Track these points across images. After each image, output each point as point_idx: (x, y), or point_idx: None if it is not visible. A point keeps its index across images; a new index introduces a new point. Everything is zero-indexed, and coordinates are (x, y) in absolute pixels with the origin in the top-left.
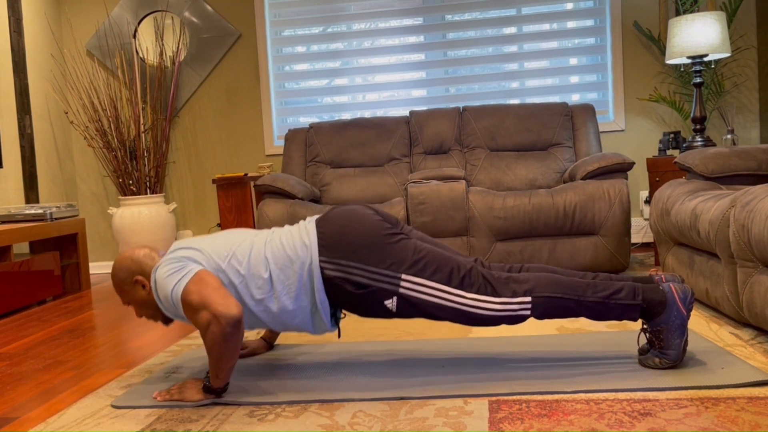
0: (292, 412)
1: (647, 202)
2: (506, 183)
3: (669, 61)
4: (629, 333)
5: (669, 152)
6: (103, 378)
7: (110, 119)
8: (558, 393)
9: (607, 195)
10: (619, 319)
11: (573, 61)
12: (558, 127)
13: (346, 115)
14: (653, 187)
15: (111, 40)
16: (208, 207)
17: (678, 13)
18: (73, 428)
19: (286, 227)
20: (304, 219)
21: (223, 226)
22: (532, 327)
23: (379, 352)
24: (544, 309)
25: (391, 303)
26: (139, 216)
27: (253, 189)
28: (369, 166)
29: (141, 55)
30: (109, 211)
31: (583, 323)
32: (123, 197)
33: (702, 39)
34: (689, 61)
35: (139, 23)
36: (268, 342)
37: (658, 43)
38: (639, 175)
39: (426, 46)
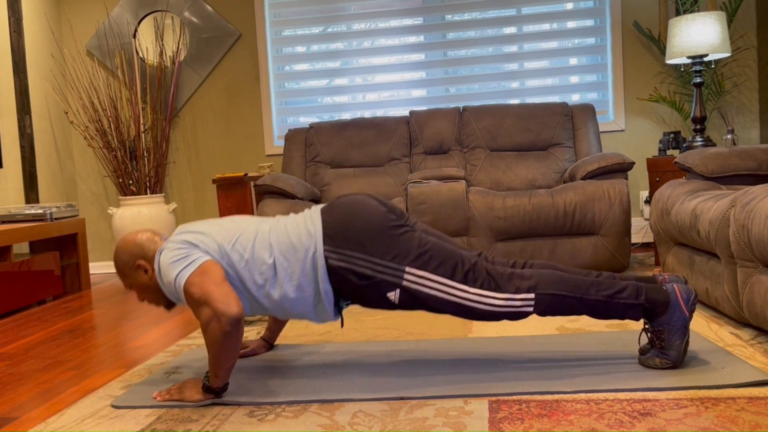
0: (292, 412)
1: (647, 202)
2: (506, 183)
3: (669, 61)
4: (629, 333)
5: (669, 152)
6: (103, 378)
7: (110, 119)
8: (558, 393)
9: (607, 195)
10: (622, 318)
11: (573, 61)
12: (558, 127)
13: (346, 115)
14: (653, 187)
15: (111, 40)
16: (208, 207)
17: (678, 13)
18: (73, 428)
19: (291, 215)
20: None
21: None
22: (532, 327)
23: (379, 352)
24: (547, 306)
25: (393, 295)
26: (139, 216)
27: (253, 189)
28: (369, 166)
29: (141, 55)
30: (109, 211)
31: (583, 323)
32: (123, 197)
33: (702, 39)
34: (689, 61)
35: (139, 23)
36: (268, 342)
37: (658, 43)
38: (639, 175)
39: (426, 46)
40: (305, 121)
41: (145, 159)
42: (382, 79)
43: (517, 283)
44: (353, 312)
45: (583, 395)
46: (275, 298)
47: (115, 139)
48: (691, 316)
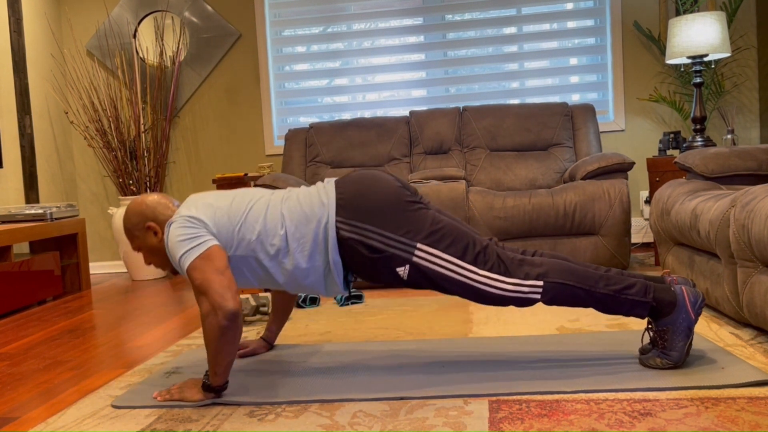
0: (292, 412)
1: (647, 202)
2: (506, 183)
3: (669, 61)
4: (629, 333)
5: (669, 152)
6: (103, 378)
7: (110, 119)
8: (558, 393)
9: (607, 195)
10: (627, 314)
11: (573, 61)
12: (558, 127)
13: (346, 115)
14: (653, 187)
15: (111, 40)
16: None
17: (678, 13)
18: (73, 428)
19: (303, 187)
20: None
21: None
22: (532, 327)
23: (379, 352)
24: (554, 295)
25: (403, 271)
26: None
27: None
28: (369, 166)
29: (141, 55)
30: (109, 211)
31: (583, 323)
32: (123, 197)
33: (702, 39)
34: (689, 61)
35: (139, 23)
36: (268, 342)
37: (658, 43)
38: (639, 175)
39: (426, 46)
40: (305, 121)
41: (145, 159)
42: (382, 79)
43: (527, 269)
44: (353, 312)
45: (583, 395)
46: (288, 268)
47: (115, 139)
48: (696, 319)
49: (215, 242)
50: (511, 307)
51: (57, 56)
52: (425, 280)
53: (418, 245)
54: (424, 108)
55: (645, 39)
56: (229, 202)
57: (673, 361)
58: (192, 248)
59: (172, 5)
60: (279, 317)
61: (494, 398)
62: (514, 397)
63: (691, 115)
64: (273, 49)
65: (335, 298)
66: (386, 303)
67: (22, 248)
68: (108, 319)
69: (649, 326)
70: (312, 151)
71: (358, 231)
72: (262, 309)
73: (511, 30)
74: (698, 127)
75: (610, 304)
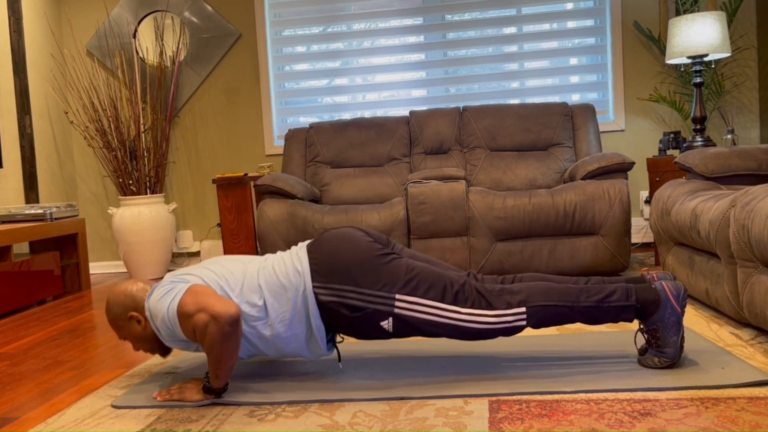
0: (292, 412)
1: (647, 202)
2: (506, 183)
3: (669, 61)
4: (629, 333)
5: (669, 152)
6: (103, 378)
7: (110, 119)
8: (558, 393)
9: (607, 195)
10: (615, 321)
11: (573, 61)
12: (558, 127)
13: (346, 115)
14: (653, 187)
15: (111, 40)
16: (208, 207)
17: (678, 13)
18: (73, 428)
19: (279, 254)
20: (305, 221)
21: (223, 226)
22: None
23: (379, 352)
24: (539, 318)
25: (387, 324)
26: (139, 216)
27: (253, 189)
28: (369, 166)
29: (141, 55)
30: (109, 211)
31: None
32: (123, 197)
33: (702, 39)
34: (689, 61)
35: (139, 23)
36: None
37: (658, 43)
38: (639, 175)
39: (426, 46)
40: (305, 121)
41: (145, 159)
42: (382, 79)
43: (508, 298)
44: None
45: (583, 395)
46: (267, 337)
47: (115, 139)
48: (683, 312)
49: (196, 279)
50: None
51: (57, 56)
52: (411, 328)
53: (397, 296)
54: (424, 108)
55: (645, 39)
56: (205, 273)
57: (669, 357)
58: (176, 294)
59: (172, 5)
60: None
61: (494, 398)
62: (514, 397)
63: (691, 115)
64: (273, 49)
65: None
66: None
67: (22, 248)
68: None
69: (640, 328)
70: (312, 151)
71: (336, 293)
72: None
73: (511, 30)
74: (698, 127)
75: (596, 314)
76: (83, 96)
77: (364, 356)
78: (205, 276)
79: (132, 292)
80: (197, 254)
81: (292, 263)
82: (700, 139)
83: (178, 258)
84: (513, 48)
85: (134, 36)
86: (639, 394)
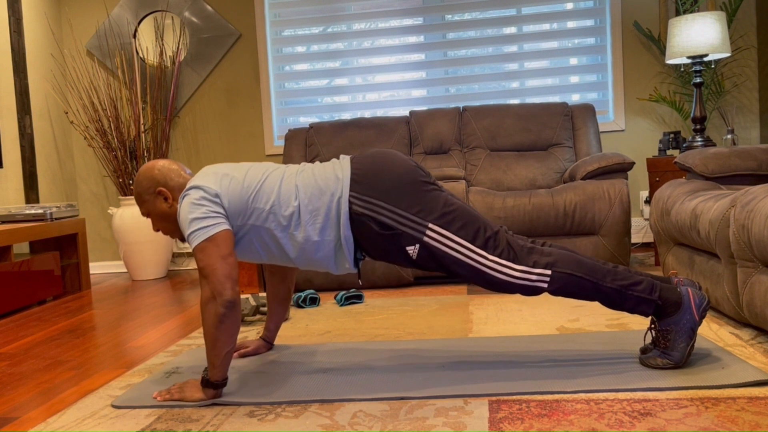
0: (292, 412)
1: (647, 202)
2: (506, 183)
3: (669, 61)
4: (629, 333)
5: (669, 152)
6: (103, 378)
7: (110, 119)
8: (558, 393)
9: (607, 195)
10: (632, 311)
11: (573, 61)
12: (558, 127)
13: (346, 115)
14: (653, 187)
15: (111, 40)
16: None
17: (678, 13)
18: (73, 428)
19: (319, 162)
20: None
21: None
22: (532, 327)
23: (379, 352)
24: (562, 285)
25: (413, 250)
26: (139, 216)
27: None
28: None
29: (141, 55)
30: (109, 211)
31: (583, 323)
32: (123, 197)
33: (702, 39)
34: (689, 61)
35: (139, 23)
36: (268, 342)
37: (658, 43)
38: (639, 175)
39: (426, 46)
40: (305, 121)
41: (145, 159)
42: (382, 79)
43: (536, 257)
44: (353, 312)
45: (583, 395)
46: (299, 240)
47: (115, 139)
48: (700, 321)
49: (224, 226)
50: (512, 307)
51: (57, 56)
52: (434, 261)
53: (430, 225)
54: (424, 108)
55: (645, 39)
56: (243, 173)
57: (674, 361)
58: (201, 228)
59: (172, 5)
60: (275, 314)
61: (494, 398)
62: (514, 397)
63: (691, 115)
64: (273, 49)
65: (335, 298)
66: (386, 303)
67: (22, 248)
68: (108, 319)
69: (653, 326)
70: (312, 151)
71: (370, 207)
72: (262, 309)
73: (511, 30)
74: (698, 127)
75: (616, 298)
76: (83, 96)
77: (365, 356)
78: (245, 178)
79: (164, 169)
80: None
81: (333, 170)
82: (700, 139)
83: (178, 258)
84: (513, 48)
85: (134, 36)
86: (639, 394)
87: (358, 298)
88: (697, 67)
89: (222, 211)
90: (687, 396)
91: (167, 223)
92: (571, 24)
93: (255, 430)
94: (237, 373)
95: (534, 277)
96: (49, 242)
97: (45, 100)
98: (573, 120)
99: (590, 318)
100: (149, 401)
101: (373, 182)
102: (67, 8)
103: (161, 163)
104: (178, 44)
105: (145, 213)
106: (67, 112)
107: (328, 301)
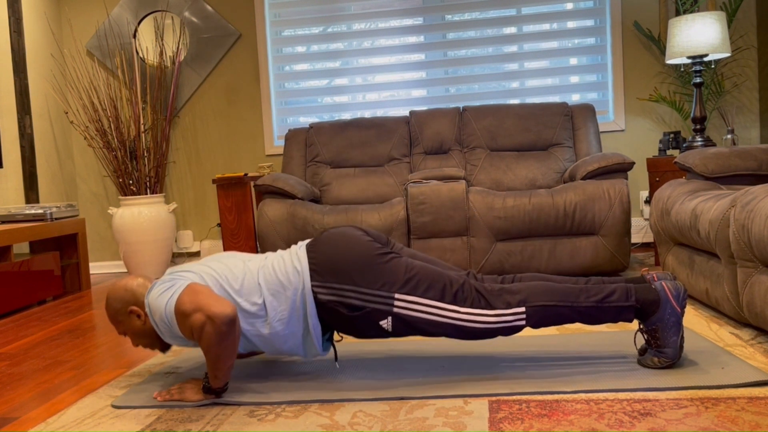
0: (292, 412)
1: (647, 202)
2: (506, 183)
3: (669, 61)
4: (629, 333)
5: (669, 152)
6: (103, 378)
7: (110, 119)
8: (558, 393)
9: (607, 195)
10: (615, 321)
11: (573, 61)
12: (558, 127)
13: (346, 115)
14: (653, 187)
15: (111, 40)
16: (208, 207)
17: (678, 13)
18: (73, 428)
19: (279, 252)
20: (305, 220)
21: (223, 226)
22: None
23: (379, 352)
24: (539, 318)
25: (386, 323)
26: (139, 216)
27: (253, 189)
28: (369, 166)
29: (141, 55)
30: (109, 211)
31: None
32: (123, 197)
33: (702, 39)
34: (689, 61)
35: (139, 23)
36: None
37: (658, 43)
38: (639, 175)
39: (426, 46)
40: (305, 121)
41: (145, 159)
42: (382, 79)
43: (507, 297)
44: None
45: (583, 395)
46: (265, 335)
47: (115, 139)
48: (683, 312)
49: (195, 278)
50: None
51: (57, 56)
52: (410, 328)
53: (396, 295)
54: (424, 108)
55: (645, 39)
56: (205, 270)
57: (669, 357)
58: (174, 292)
59: (172, 5)
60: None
61: (494, 398)
62: (514, 397)
63: (691, 115)
64: (273, 49)
65: None
66: None
67: (22, 248)
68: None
69: (640, 328)
70: (312, 151)
71: (335, 292)
72: None
73: (511, 30)
74: (698, 127)
75: (596, 315)
76: (83, 96)
77: (364, 356)
78: (204, 273)
79: (132, 287)
80: (197, 254)
81: (292, 262)
82: (700, 139)
83: (178, 258)
84: (513, 48)
85: (134, 36)
86: (639, 394)
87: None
88: (697, 67)
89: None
90: (687, 396)
91: (145, 338)
92: (571, 24)
93: (255, 430)
94: (237, 374)
95: (510, 318)
96: (49, 242)
97: (45, 100)
98: (573, 120)
99: None
100: (149, 401)
101: (331, 268)
102: (67, 8)
103: (128, 282)
104: (178, 44)
105: (122, 332)
106: (67, 112)
107: None
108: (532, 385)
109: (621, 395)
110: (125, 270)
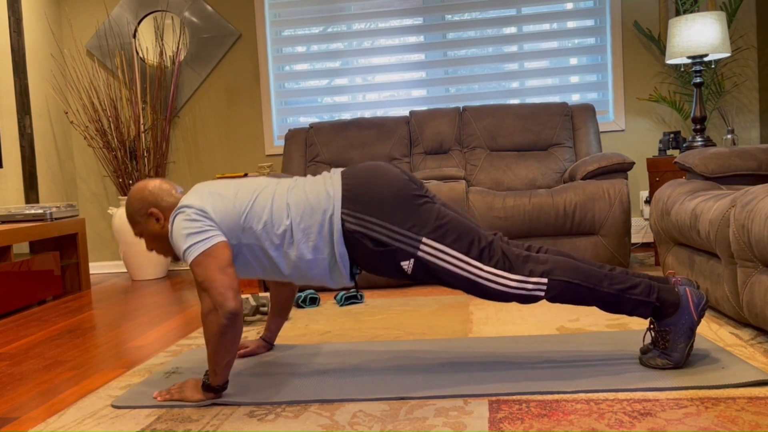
0: (292, 412)
1: (647, 202)
2: (506, 183)
3: (669, 61)
4: (629, 333)
5: (669, 152)
6: (103, 378)
7: (110, 119)
8: (558, 393)
9: (607, 195)
10: (630, 314)
11: (573, 61)
12: (558, 127)
13: (346, 115)
14: (653, 187)
15: (111, 40)
16: None
17: (678, 13)
18: (73, 428)
19: (310, 177)
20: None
21: None
22: (532, 327)
23: (379, 352)
24: (559, 293)
25: (407, 265)
26: None
27: None
28: None
29: (141, 55)
30: (109, 211)
31: (583, 323)
32: (123, 197)
33: (702, 39)
34: (689, 61)
35: (139, 23)
36: (268, 342)
37: (658, 43)
38: (639, 175)
39: (426, 46)
40: (305, 121)
41: (145, 159)
42: (382, 79)
43: (532, 266)
44: (353, 312)
45: (583, 395)
46: (292, 259)
47: (115, 139)
48: (699, 321)
49: (221, 238)
50: (512, 307)
51: (57, 56)
52: (429, 274)
53: (424, 239)
54: (424, 108)
55: (645, 39)
56: (234, 191)
57: (674, 362)
58: (197, 243)
59: (172, 5)
60: (278, 316)
61: (494, 398)
62: (514, 397)
63: (691, 115)
64: (273, 49)
65: (335, 298)
66: (386, 303)
67: (22, 248)
68: (108, 319)
69: (651, 326)
70: (312, 151)
71: (363, 224)
72: (262, 309)
73: (511, 30)
74: (698, 127)
75: (614, 303)
76: (83, 96)
77: (365, 356)
78: (235, 196)
79: (155, 190)
80: None
81: (324, 186)
82: (700, 139)
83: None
84: (513, 48)
85: (134, 36)
86: (639, 394)
87: (358, 299)
88: (697, 67)
89: (215, 225)
90: (687, 396)
91: (160, 243)
92: (571, 24)
93: (255, 430)
94: (237, 374)
95: (530, 286)
96: (49, 242)
97: (45, 100)
98: (573, 120)
99: (590, 318)
100: (149, 401)
101: (364, 198)
102: (67, 8)
103: (152, 183)
104: (178, 44)
105: (138, 233)
106: (67, 112)
107: (328, 301)
108: (532, 385)
109: (621, 395)
110: (125, 270)
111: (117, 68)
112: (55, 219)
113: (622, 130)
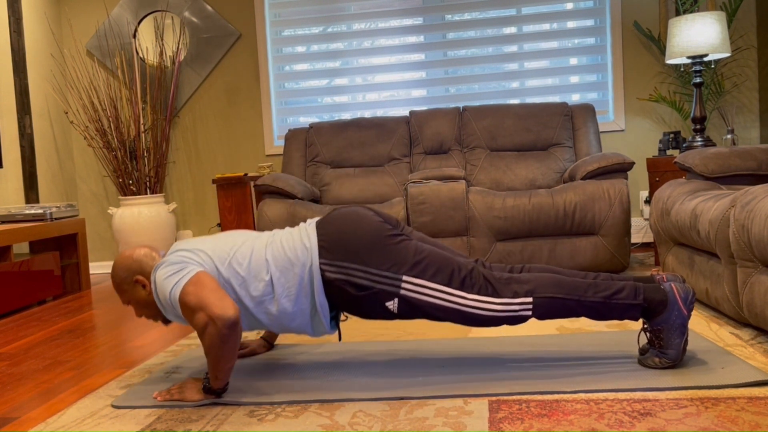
0: (292, 412)
1: (647, 202)
2: (506, 183)
3: (669, 61)
4: (629, 333)
5: (669, 152)
6: (103, 378)
7: (110, 119)
8: (558, 393)
9: (607, 195)
10: (621, 318)
11: (573, 61)
12: (558, 127)
13: (346, 115)
14: (653, 187)
15: (111, 40)
16: (208, 207)
17: (678, 13)
18: (73, 428)
19: (287, 229)
20: (305, 221)
21: (223, 226)
22: (532, 327)
23: (379, 352)
24: (546, 309)
25: (392, 304)
26: (139, 216)
27: (253, 189)
28: (369, 166)
29: (141, 55)
30: (109, 211)
31: (583, 323)
32: (123, 197)
33: (702, 39)
34: (689, 61)
35: (139, 23)
36: (268, 342)
37: (658, 43)
38: (639, 175)
39: (426, 46)
40: (305, 121)
41: (145, 159)
42: (382, 79)
43: (515, 287)
44: None
45: (583, 395)
46: (273, 313)
47: (115, 139)
48: (689, 315)
49: (202, 268)
50: None
51: (57, 56)
52: (416, 310)
53: (404, 277)
54: (424, 108)
55: (645, 39)
56: (212, 247)
57: (671, 359)
58: (180, 278)
59: (172, 5)
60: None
61: (494, 398)
62: (514, 397)
63: (691, 115)
64: (273, 49)
65: None
66: None
67: (22, 248)
68: (108, 319)
69: (645, 327)
70: (312, 151)
71: (343, 271)
72: None
73: (511, 30)
74: (698, 127)
75: (602, 311)
76: (83, 96)
77: (364, 356)
78: (211, 251)
79: (139, 257)
80: None
81: (300, 239)
82: (700, 139)
83: None
84: (513, 48)
85: (134, 36)
86: (639, 394)
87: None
88: (697, 67)
89: (196, 259)
90: (687, 396)
91: (148, 309)
92: (571, 24)
93: (255, 430)
94: (237, 373)
95: (516, 307)
96: (49, 242)
97: (45, 100)
98: (573, 120)
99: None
100: (149, 401)
101: (341, 246)
102: (67, 8)
103: (135, 252)
104: (178, 44)
105: (126, 302)
106: (67, 112)
107: None
108: (532, 385)
109: (621, 395)
110: None
111: (117, 68)
112: (55, 219)
113: (622, 130)
